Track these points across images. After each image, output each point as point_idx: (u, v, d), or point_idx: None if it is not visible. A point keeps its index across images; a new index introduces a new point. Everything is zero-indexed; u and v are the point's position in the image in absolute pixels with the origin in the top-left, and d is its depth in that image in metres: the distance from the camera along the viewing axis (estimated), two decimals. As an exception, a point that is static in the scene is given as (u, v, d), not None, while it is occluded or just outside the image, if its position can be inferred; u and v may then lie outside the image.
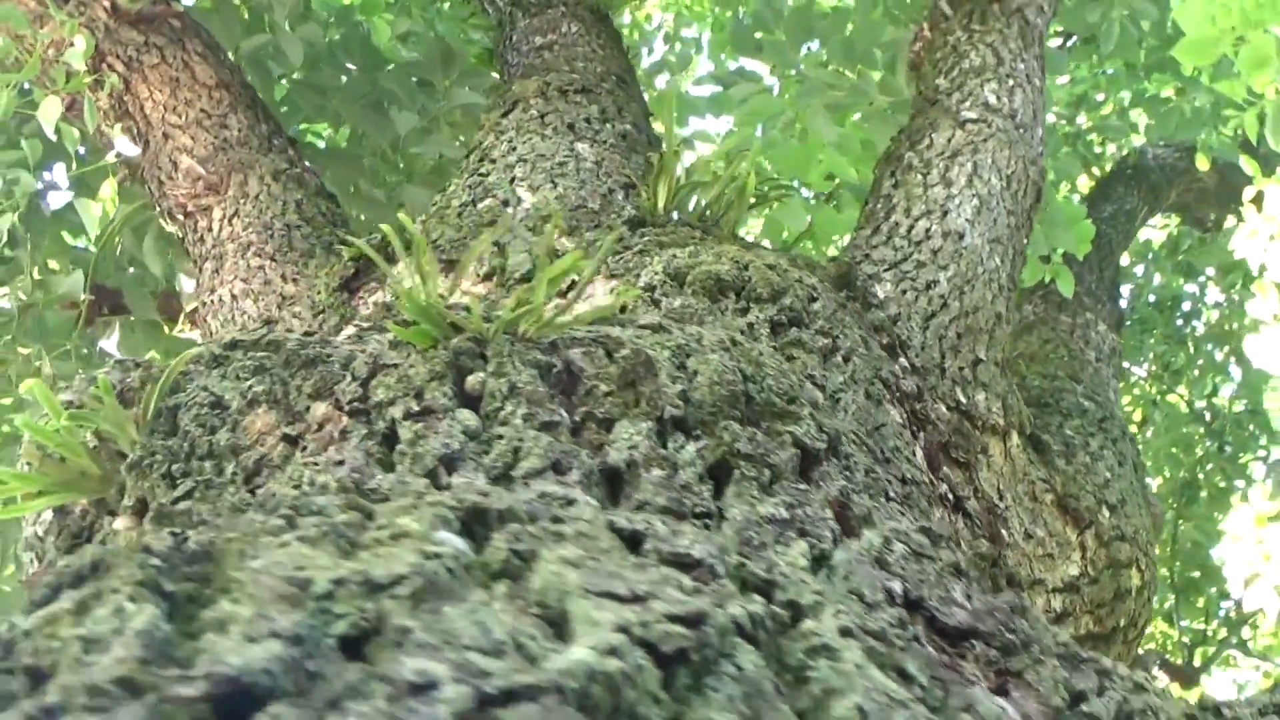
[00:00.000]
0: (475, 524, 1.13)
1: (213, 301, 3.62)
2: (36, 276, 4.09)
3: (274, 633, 0.81)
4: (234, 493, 1.69)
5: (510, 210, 3.29)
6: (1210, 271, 8.69)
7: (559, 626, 0.89)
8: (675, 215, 3.24)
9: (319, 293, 3.27)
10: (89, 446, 1.89)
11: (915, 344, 3.22)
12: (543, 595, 0.94)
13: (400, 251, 1.98)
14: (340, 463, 1.61)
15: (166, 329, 4.64)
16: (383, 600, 0.88)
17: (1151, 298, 8.85)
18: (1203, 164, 6.57)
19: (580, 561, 0.98)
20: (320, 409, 1.80)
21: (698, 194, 3.22)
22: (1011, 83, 4.23)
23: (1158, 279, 8.74)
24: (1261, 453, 8.72)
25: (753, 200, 3.31)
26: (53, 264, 4.58)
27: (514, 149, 3.68)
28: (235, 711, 0.76)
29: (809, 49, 5.88)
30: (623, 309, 1.95)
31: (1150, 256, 8.84)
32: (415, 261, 1.86)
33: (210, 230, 3.87)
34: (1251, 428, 8.52)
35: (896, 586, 1.35)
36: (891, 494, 1.93)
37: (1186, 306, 8.93)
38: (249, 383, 1.90)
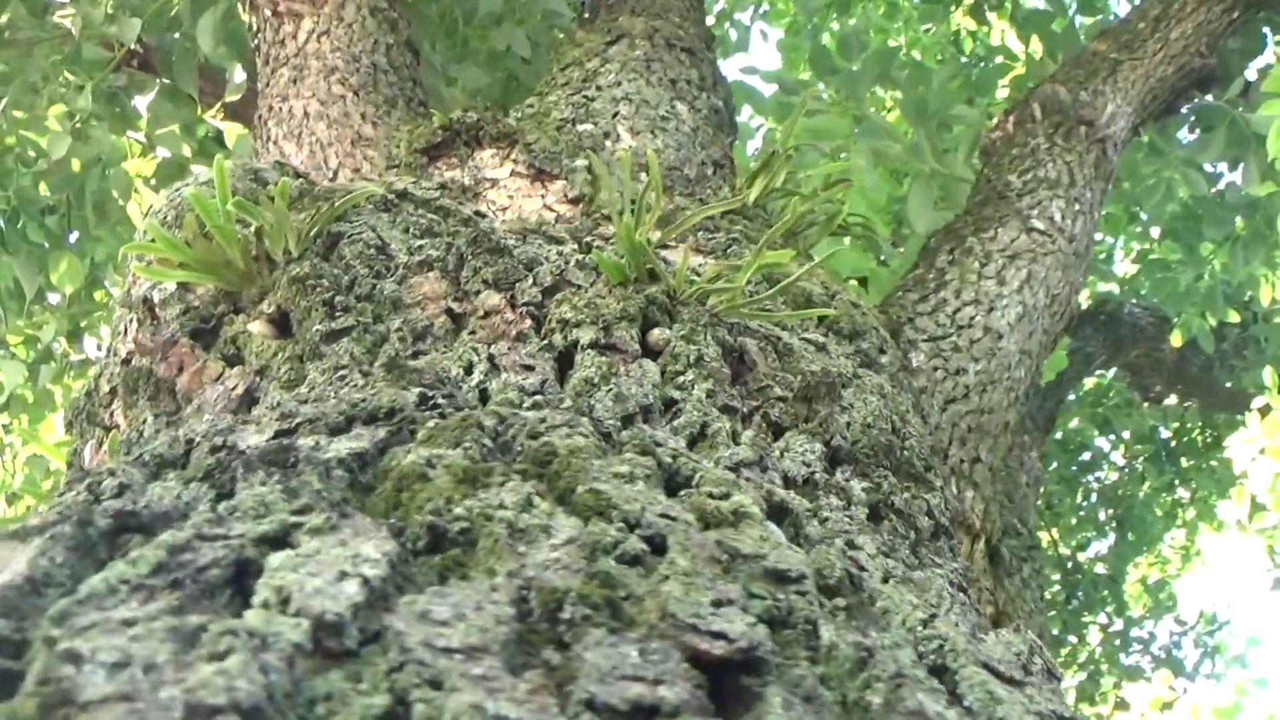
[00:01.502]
0: (771, 518, 1.13)
1: (282, 110, 3.54)
2: (109, 10, 3.97)
3: (729, 600, 0.81)
4: (399, 350, 1.66)
5: (609, 144, 3.26)
6: (1125, 434, 8.88)
7: (941, 679, 0.89)
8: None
9: (398, 147, 3.21)
10: (242, 239, 1.84)
11: (931, 423, 3.27)
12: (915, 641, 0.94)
13: (626, 178, 1.95)
14: (528, 368, 1.60)
15: (199, 109, 4.54)
16: (791, 594, 0.88)
17: (1059, 434, 9.01)
18: (1176, 340, 6.71)
19: (939, 612, 0.98)
20: (493, 298, 1.78)
21: (791, 203, 3.21)
22: (1077, 207, 4.29)
23: (1075, 421, 8.90)
24: (1103, 619, 8.95)
25: (835, 230, 3.32)
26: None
27: (619, 84, 3.64)
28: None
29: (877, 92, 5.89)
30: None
31: (1074, 397, 9.00)
32: (643, 197, 1.84)
33: (295, 38, 3.78)
34: (1105, 593, 8.73)
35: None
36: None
37: (1087, 456, 9.11)
38: (420, 242, 1.88)
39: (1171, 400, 8.12)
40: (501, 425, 1.16)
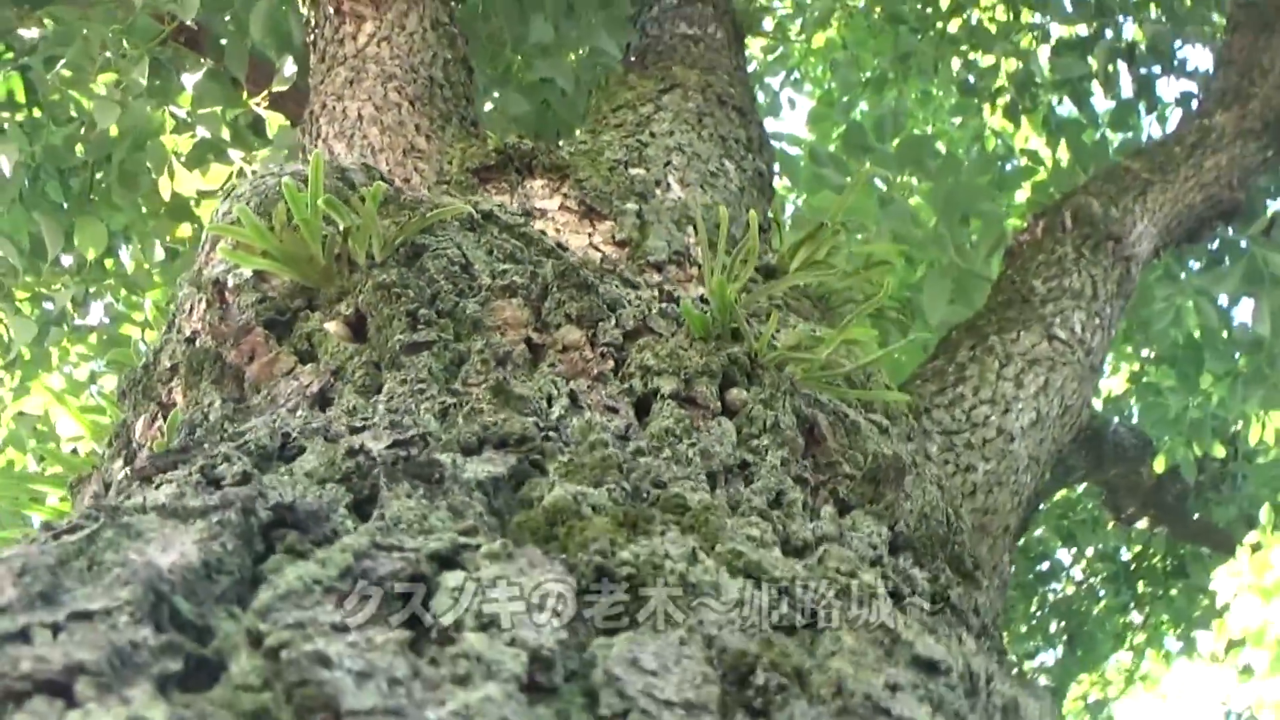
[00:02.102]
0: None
1: (335, 109, 3.53)
2: (178, -16, 3.95)
3: (899, 685, 0.80)
4: (480, 373, 1.65)
5: (659, 193, 3.26)
6: (1088, 550, 8.90)
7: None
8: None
9: (450, 163, 3.20)
10: (327, 236, 1.83)
11: (938, 515, 3.27)
12: None
13: (706, 237, 1.95)
14: (613, 410, 1.59)
15: (244, 94, 4.52)
16: (940, 685, 0.87)
17: (1021, 540, 9.01)
18: (1159, 465, 6.73)
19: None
20: (573, 334, 1.77)
21: (885, 285, 3.21)
22: (1097, 321, 4.31)
23: (1039, 530, 8.91)
24: (1040, 730, 8.92)
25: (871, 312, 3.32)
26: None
27: (671, 133, 3.65)
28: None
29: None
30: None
31: (1043, 506, 9.01)
32: (736, 257, 1.84)
33: (354, 40, 3.78)
34: (1047, 704, 8.71)
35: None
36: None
37: (1046, 566, 9.12)
38: (503, 266, 1.87)
39: (1143, 524, 8.15)
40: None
